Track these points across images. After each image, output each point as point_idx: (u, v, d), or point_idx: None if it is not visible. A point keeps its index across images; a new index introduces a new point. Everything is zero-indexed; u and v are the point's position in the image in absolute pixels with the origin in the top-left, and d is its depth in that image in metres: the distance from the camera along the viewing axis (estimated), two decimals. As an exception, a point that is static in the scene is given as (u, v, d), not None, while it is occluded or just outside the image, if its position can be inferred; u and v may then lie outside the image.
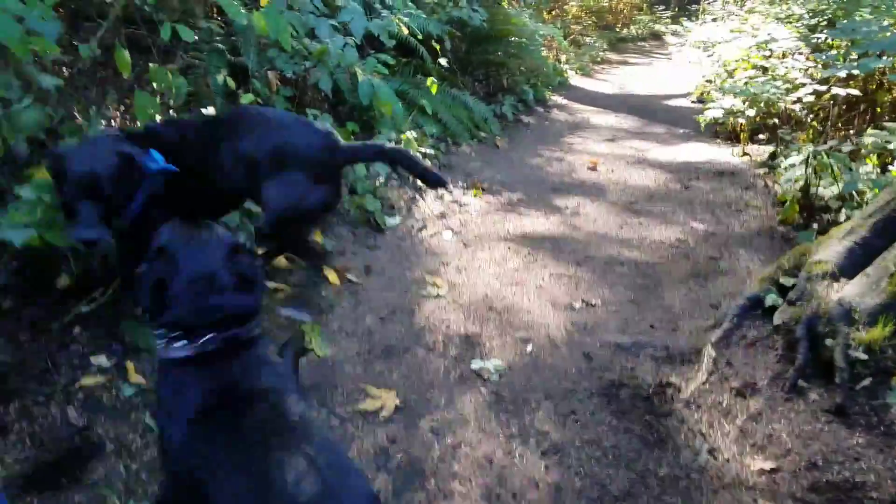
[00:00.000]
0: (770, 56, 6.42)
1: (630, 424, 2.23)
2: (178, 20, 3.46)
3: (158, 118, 2.80)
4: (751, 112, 5.61)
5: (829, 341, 2.34)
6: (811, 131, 5.36)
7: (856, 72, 4.40)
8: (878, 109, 5.47)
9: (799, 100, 5.27)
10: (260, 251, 2.90)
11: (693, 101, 8.09)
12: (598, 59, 11.90)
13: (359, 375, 2.42)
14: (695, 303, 3.11)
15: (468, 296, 3.10)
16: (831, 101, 5.23)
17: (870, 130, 4.56)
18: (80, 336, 2.29)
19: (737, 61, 6.99)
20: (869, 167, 4.12)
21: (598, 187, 4.87)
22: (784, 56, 6.33)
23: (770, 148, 5.44)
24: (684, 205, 4.48)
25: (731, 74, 7.04)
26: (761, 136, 5.90)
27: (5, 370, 2.07)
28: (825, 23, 6.67)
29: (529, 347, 2.69)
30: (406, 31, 4.71)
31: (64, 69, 2.99)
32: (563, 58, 10.05)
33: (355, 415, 2.22)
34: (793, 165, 4.38)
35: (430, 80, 4.84)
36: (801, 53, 6.20)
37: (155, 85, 2.96)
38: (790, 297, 2.62)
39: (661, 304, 3.13)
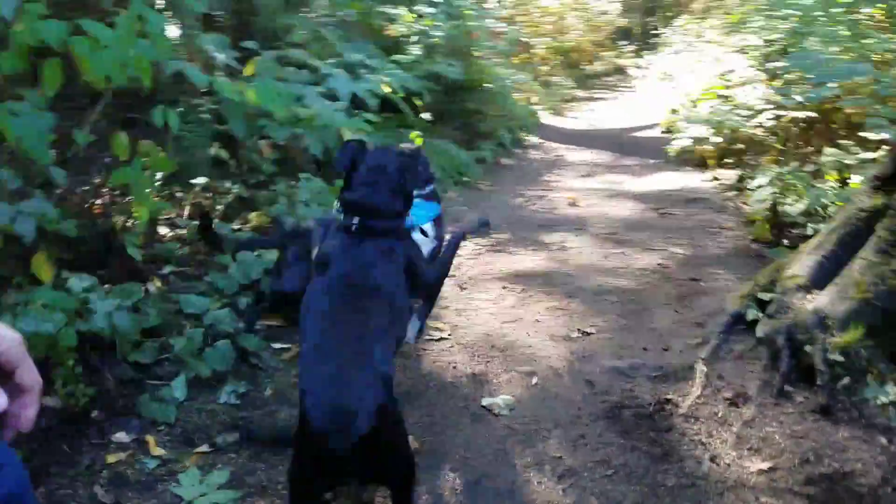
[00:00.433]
0: (730, 85, 6.81)
1: (636, 442, 2.39)
2: (169, 101, 3.67)
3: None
4: (717, 139, 5.95)
5: (808, 348, 2.54)
6: (775, 152, 5.69)
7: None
8: (835, 127, 5.84)
9: (760, 125, 5.62)
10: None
11: (661, 132, 8.46)
12: (568, 98, 12.36)
13: (376, 424, 2.54)
14: (681, 323, 3.31)
15: (471, 336, 3.27)
16: (791, 124, 5.58)
17: (827, 149, 4.88)
18: (98, 416, 2.39)
19: (700, 93, 7.38)
20: (830, 183, 4.42)
21: (581, 221, 5.11)
22: (743, 84, 6.73)
23: (737, 172, 5.75)
24: (662, 232, 4.73)
25: (695, 104, 7.42)
26: (728, 161, 6.22)
27: (28, 454, 2.11)
28: (780, 50, 7.12)
29: (534, 380, 2.86)
30: (388, 90, 4.98)
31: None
32: (535, 99, 10.47)
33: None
34: (760, 187, 4.67)
35: (413, 133, 5.10)
36: (759, 81, 6.60)
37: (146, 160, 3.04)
38: (769, 310, 2.84)
39: (650, 326, 3.33)
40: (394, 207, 2.03)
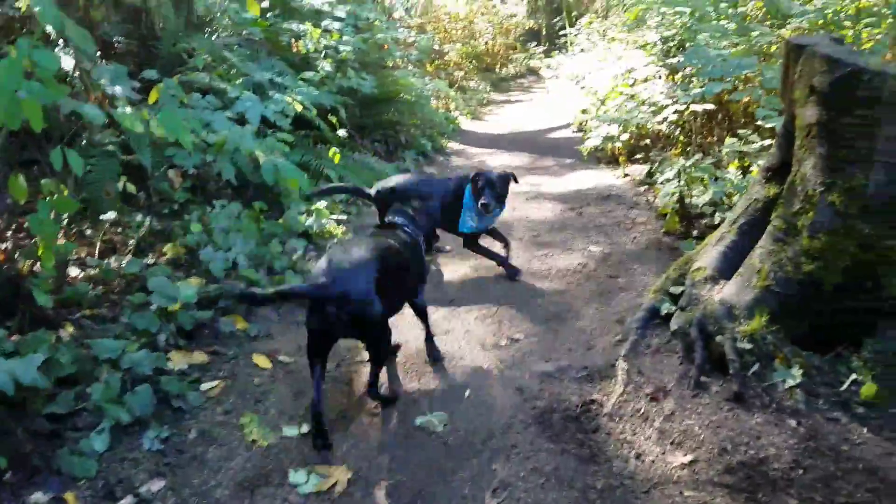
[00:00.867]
0: (634, 83, 7.09)
1: (565, 445, 2.45)
2: (70, 136, 3.50)
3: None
4: (625, 136, 6.19)
5: (719, 338, 2.68)
6: (680, 145, 5.97)
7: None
8: (734, 117, 6.18)
9: (665, 119, 5.88)
10: (177, 353, 3.01)
11: (574, 131, 8.72)
12: (484, 101, 12.56)
13: (306, 458, 2.48)
14: (603, 321, 3.43)
15: (402, 352, 3.27)
16: (692, 117, 5.87)
17: (727, 139, 5.16)
18: (11, 478, 2.24)
19: (607, 91, 7.65)
20: (733, 171, 4.68)
21: (506, 225, 5.18)
22: (646, 80, 7.02)
23: (647, 167, 6.00)
24: (581, 231, 4.88)
25: (603, 103, 7.69)
26: (638, 157, 6.48)
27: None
28: (677, 46, 7.47)
29: (467, 393, 2.89)
30: (300, 108, 4.92)
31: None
32: (453, 105, 10.57)
33: (310, 498, 2.27)
34: (668, 180, 4.89)
35: (331, 150, 5.05)
36: (659, 77, 6.90)
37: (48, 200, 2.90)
38: (681, 303, 2.98)
39: (575, 327, 3.43)
40: None
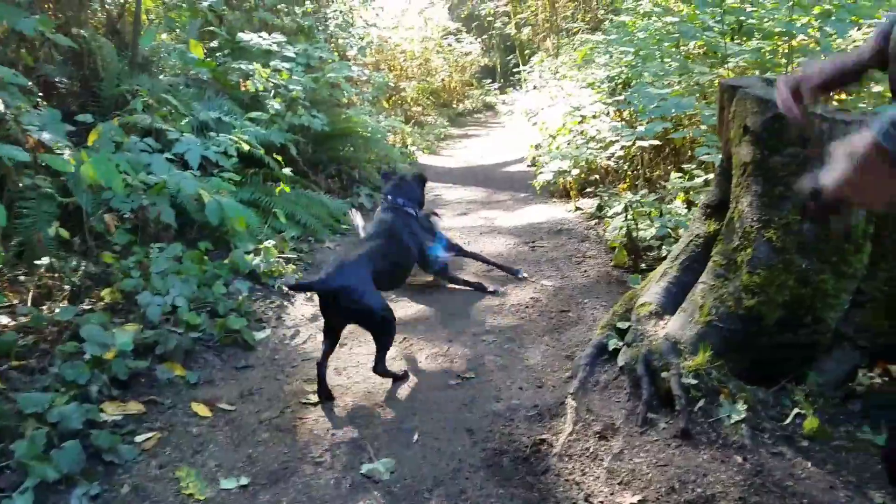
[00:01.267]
0: (583, 120, 7.26)
1: (514, 489, 2.40)
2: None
3: None
4: (575, 171, 6.29)
5: (664, 374, 2.68)
6: (629, 180, 6.10)
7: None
8: (682, 150, 6.35)
9: (612, 155, 6.01)
10: (111, 404, 2.88)
11: (528, 166, 8.85)
12: (442, 136, 12.69)
13: (247, 510, 2.38)
14: (554, 357, 3.41)
15: (350, 396, 3.18)
16: (640, 152, 6.02)
17: (673, 174, 5.29)
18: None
19: (558, 127, 7.81)
20: (678, 205, 4.78)
21: (459, 262, 5.18)
22: (595, 117, 7.19)
23: (596, 201, 6.10)
24: (533, 264, 4.90)
25: (554, 138, 7.84)
26: (589, 191, 6.59)
27: None
28: (623, 85, 7.70)
29: (415, 437, 2.81)
30: (247, 147, 4.86)
31: None
32: (409, 140, 10.64)
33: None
34: (616, 214, 4.97)
35: (279, 189, 4.99)
36: (607, 114, 7.08)
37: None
38: (627, 339, 2.98)
39: (526, 364, 3.40)
40: None
